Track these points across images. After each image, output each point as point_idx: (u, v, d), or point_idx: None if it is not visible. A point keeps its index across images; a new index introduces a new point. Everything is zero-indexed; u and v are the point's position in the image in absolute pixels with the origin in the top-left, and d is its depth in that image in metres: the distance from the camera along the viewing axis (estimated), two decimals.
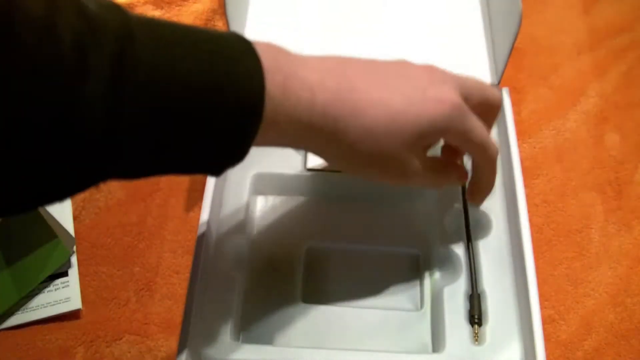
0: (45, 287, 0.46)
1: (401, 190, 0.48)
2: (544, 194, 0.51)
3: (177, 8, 0.62)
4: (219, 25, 0.60)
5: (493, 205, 0.46)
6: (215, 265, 0.44)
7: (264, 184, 0.48)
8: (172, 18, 0.61)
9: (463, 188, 0.46)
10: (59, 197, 0.27)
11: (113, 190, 0.51)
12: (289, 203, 0.49)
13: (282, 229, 0.47)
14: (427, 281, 0.45)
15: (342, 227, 0.48)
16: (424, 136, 0.34)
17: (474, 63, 0.53)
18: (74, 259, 0.47)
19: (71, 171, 0.26)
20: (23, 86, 0.23)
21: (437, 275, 0.45)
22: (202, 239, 0.43)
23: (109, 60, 0.24)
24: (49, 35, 0.23)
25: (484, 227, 0.46)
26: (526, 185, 0.45)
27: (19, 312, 0.45)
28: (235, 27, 0.49)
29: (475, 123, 0.36)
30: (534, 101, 0.56)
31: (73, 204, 0.50)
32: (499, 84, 0.51)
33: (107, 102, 0.24)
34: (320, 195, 0.49)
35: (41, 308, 0.45)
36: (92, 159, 0.26)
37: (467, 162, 0.45)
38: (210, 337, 0.41)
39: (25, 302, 0.45)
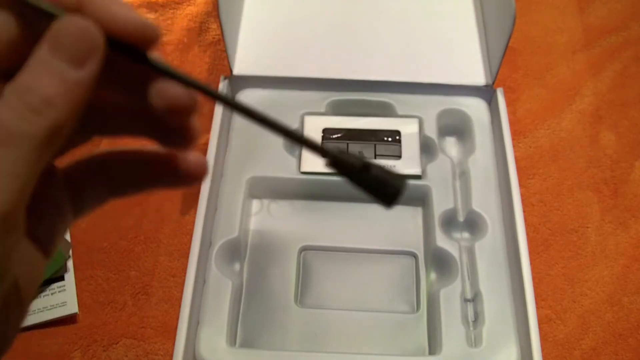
0: (42, 291, 0.46)
1: None
2: (540, 193, 0.51)
3: (172, 11, 0.62)
4: (213, 28, 0.60)
5: (488, 206, 0.46)
6: (210, 269, 0.44)
7: (259, 188, 0.48)
8: (167, 21, 0.61)
9: None
10: None
11: None
12: (283, 206, 0.49)
13: (277, 232, 0.47)
14: (423, 283, 0.45)
15: (338, 229, 0.48)
16: None
17: (468, 63, 0.53)
18: (70, 263, 0.47)
19: None
20: None
21: (433, 277, 0.45)
22: (197, 243, 0.43)
23: None
24: None
25: (479, 227, 0.46)
26: (522, 185, 0.45)
27: None
28: (229, 29, 0.49)
29: None
30: (529, 101, 0.56)
31: None
32: (493, 84, 0.51)
33: None
34: (315, 198, 0.49)
35: (37, 312, 0.45)
36: None
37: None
38: (207, 341, 0.41)
39: None
